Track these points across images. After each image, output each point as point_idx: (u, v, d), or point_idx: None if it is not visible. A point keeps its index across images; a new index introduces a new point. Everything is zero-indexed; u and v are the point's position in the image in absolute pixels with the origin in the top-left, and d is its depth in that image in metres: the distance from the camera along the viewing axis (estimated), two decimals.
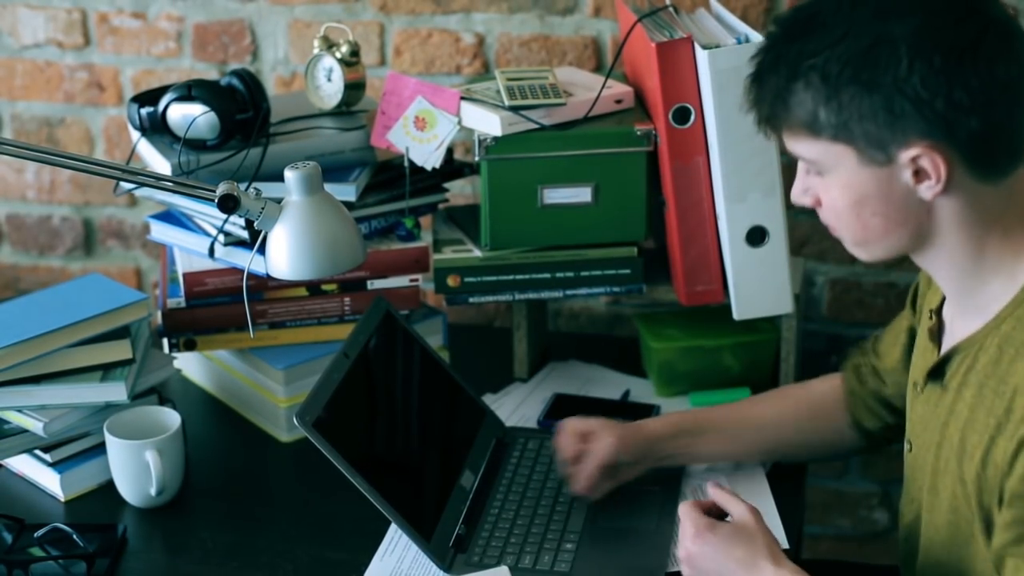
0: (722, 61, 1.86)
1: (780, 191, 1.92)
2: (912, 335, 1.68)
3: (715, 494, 1.58)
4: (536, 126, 1.95)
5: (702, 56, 1.88)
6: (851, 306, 2.41)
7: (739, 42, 1.88)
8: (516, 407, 2.06)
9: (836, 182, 1.42)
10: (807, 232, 2.38)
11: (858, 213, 1.42)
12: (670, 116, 1.92)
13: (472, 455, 1.86)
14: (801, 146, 1.43)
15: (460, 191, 2.35)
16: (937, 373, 1.51)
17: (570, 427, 1.81)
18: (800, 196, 1.50)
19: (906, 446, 1.62)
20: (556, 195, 1.98)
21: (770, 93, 1.42)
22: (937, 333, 1.55)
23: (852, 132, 1.38)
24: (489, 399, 2.09)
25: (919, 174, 1.38)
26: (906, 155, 1.37)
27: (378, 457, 1.76)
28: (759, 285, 1.96)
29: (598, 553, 1.70)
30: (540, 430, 1.96)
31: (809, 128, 1.40)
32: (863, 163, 1.39)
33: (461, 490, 1.79)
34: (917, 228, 1.42)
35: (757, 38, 1.88)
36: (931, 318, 1.56)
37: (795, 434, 1.84)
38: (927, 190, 1.39)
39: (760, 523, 1.53)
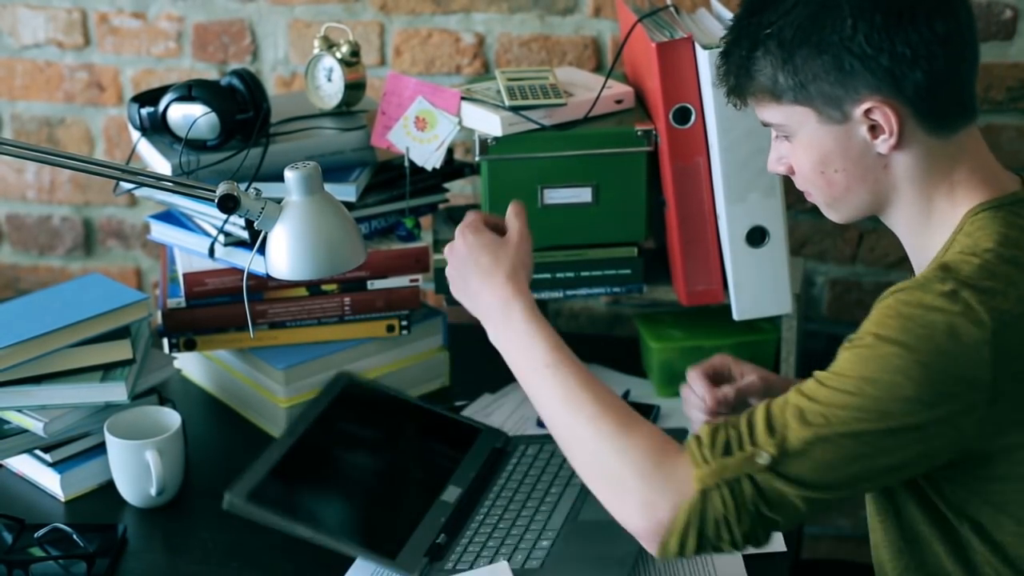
0: None
1: (780, 191, 1.92)
2: None
3: (512, 209, 1.66)
4: (536, 126, 1.95)
5: (702, 56, 1.88)
6: (851, 306, 2.41)
7: None
8: (515, 408, 2.06)
9: (801, 144, 1.51)
10: (807, 232, 2.38)
11: (822, 171, 1.51)
12: (670, 116, 1.92)
13: (460, 471, 1.86)
14: (767, 112, 1.53)
15: (460, 191, 2.35)
16: None
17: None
18: (775, 164, 1.58)
19: None
20: (556, 195, 1.98)
21: (735, 65, 1.52)
22: None
23: (809, 92, 1.47)
24: (487, 400, 2.09)
25: (874, 129, 1.47)
26: (859, 110, 1.46)
27: (335, 505, 1.79)
28: (759, 285, 1.96)
29: (572, 547, 1.70)
30: (541, 436, 1.95)
31: (772, 93, 1.50)
32: (822, 122, 1.48)
33: (442, 504, 1.79)
34: (875, 184, 1.51)
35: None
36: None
37: None
38: (882, 143, 1.47)
39: (522, 245, 1.63)
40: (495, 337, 1.60)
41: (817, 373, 1.43)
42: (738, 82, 1.53)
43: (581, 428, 1.48)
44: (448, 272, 1.66)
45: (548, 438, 1.91)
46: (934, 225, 1.51)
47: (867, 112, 1.45)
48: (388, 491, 1.83)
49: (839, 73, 1.45)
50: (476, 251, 1.62)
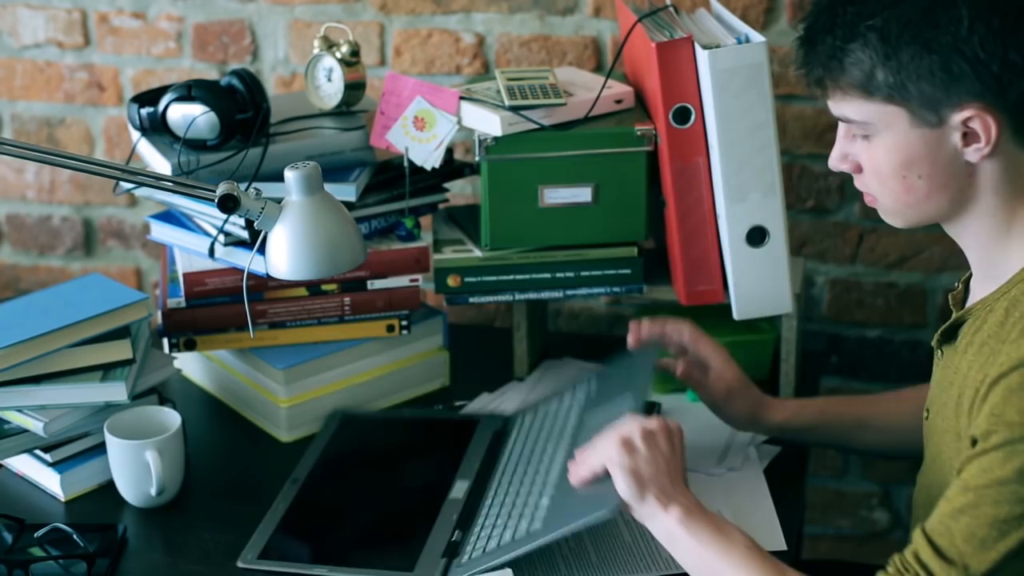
0: (722, 61, 1.86)
1: (780, 191, 1.92)
2: None
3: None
4: (536, 126, 1.95)
5: (702, 56, 1.88)
6: (851, 306, 2.41)
7: (739, 42, 1.88)
8: (516, 407, 2.06)
9: (883, 144, 1.45)
10: (807, 232, 2.38)
11: (904, 176, 1.45)
12: (670, 116, 1.92)
13: (464, 465, 1.87)
14: (852, 107, 1.46)
15: (460, 191, 2.35)
16: (950, 335, 1.54)
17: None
18: (838, 162, 1.53)
19: (924, 413, 1.64)
20: (556, 195, 1.98)
21: (824, 54, 1.45)
22: (962, 300, 1.58)
23: (908, 92, 1.41)
24: (487, 399, 2.09)
25: (967, 136, 1.42)
26: (958, 117, 1.41)
27: (346, 537, 1.78)
28: (759, 285, 1.96)
29: (567, 498, 1.68)
30: (536, 403, 1.96)
31: (863, 89, 1.43)
32: (914, 124, 1.43)
33: (452, 502, 1.79)
34: (957, 192, 1.46)
35: (757, 38, 1.88)
36: (958, 286, 1.60)
37: (913, 438, 1.76)
38: (974, 152, 1.42)
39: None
40: (681, 524, 1.51)
41: (967, 481, 1.38)
42: (827, 72, 1.46)
43: None
44: (631, 449, 1.53)
45: (544, 402, 1.91)
46: (1013, 238, 1.47)
47: (966, 120, 1.40)
48: (397, 508, 1.84)
49: (945, 75, 1.39)
50: (667, 465, 1.53)
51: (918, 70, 1.40)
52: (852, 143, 1.50)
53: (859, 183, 1.52)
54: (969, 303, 1.55)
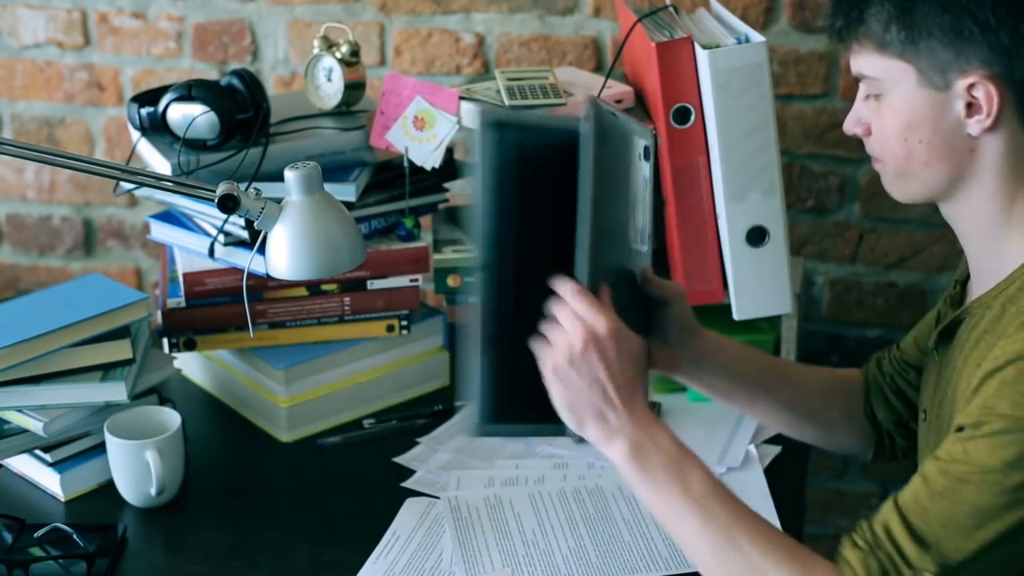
0: (722, 61, 1.86)
1: (780, 191, 1.92)
2: (939, 321, 1.69)
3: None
4: None
5: (702, 56, 1.88)
6: (851, 306, 2.41)
7: (739, 42, 1.89)
8: None
9: (891, 104, 1.47)
10: (807, 232, 2.38)
11: (906, 138, 1.46)
12: (670, 116, 1.92)
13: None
14: (866, 62, 1.48)
15: (460, 191, 2.35)
16: (948, 335, 1.54)
17: None
18: (852, 125, 1.53)
19: (921, 415, 1.63)
20: None
21: (847, 5, 1.48)
22: (959, 301, 1.58)
23: (918, 49, 1.42)
24: None
25: (971, 107, 1.42)
26: (963, 82, 1.42)
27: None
28: (759, 285, 1.96)
29: None
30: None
31: (878, 42, 1.45)
32: (921, 84, 1.44)
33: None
34: (957, 167, 1.46)
35: (757, 38, 1.88)
36: (955, 287, 1.60)
37: (820, 406, 1.79)
38: (976, 124, 1.43)
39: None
40: (630, 458, 1.43)
41: (947, 466, 1.36)
42: (847, 23, 1.48)
43: (747, 567, 1.38)
44: (582, 359, 1.41)
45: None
46: (1012, 227, 1.47)
47: (970, 87, 1.41)
48: None
49: (955, 37, 1.40)
50: (624, 357, 1.42)
51: (930, 28, 1.41)
52: (866, 105, 1.51)
53: (868, 147, 1.53)
54: (967, 303, 1.54)
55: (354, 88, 2.10)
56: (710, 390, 1.75)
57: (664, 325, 1.66)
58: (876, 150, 1.51)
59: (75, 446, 1.88)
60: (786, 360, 1.83)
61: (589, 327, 1.41)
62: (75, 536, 1.75)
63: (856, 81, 1.52)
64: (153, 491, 1.81)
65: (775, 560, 1.39)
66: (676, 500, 1.42)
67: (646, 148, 1.57)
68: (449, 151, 2.05)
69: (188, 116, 1.97)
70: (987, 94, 1.41)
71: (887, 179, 1.52)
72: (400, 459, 1.95)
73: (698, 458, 1.45)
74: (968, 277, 1.58)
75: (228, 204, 1.62)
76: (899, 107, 1.46)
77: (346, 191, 1.99)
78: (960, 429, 1.38)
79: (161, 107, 1.99)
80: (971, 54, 1.41)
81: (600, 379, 1.42)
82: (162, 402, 1.94)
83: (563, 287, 1.42)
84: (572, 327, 1.41)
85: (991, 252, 1.49)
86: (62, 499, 1.86)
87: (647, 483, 1.43)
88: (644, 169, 1.56)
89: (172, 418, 1.87)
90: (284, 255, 1.65)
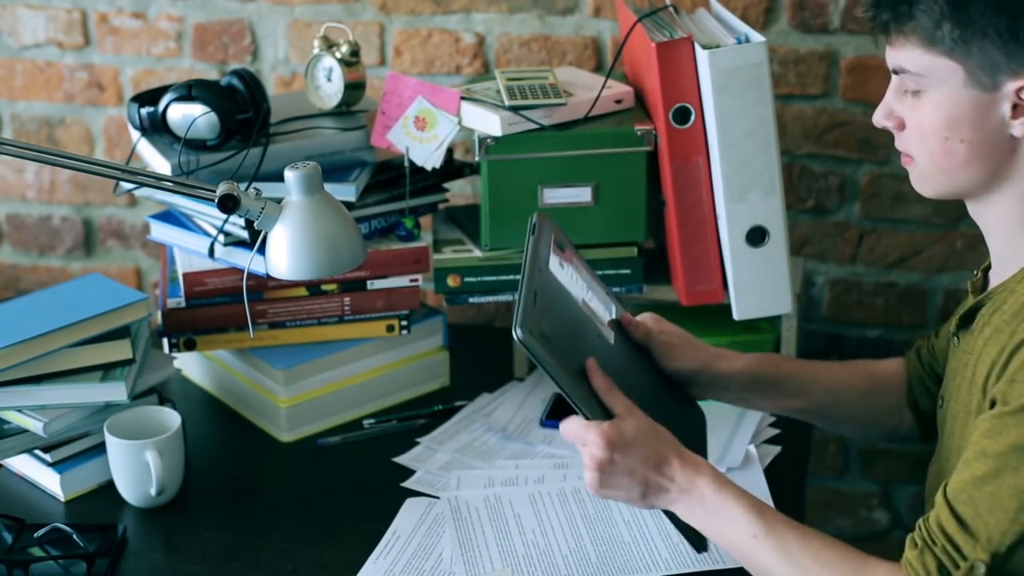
0: (722, 61, 1.86)
1: (780, 191, 1.92)
2: None
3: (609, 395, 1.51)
4: (536, 126, 1.95)
5: (702, 56, 1.88)
6: (851, 306, 2.41)
7: (739, 42, 1.89)
8: (517, 409, 2.06)
9: (932, 101, 1.44)
10: (807, 232, 2.38)
11: (947, 137, 1.44)
12: (670, 116, 1.92)
13: None
14: (910, 57, 1.44)
15: (460, 191, 2.35)
16: (968, 319, 1.53)
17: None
18: (883, 118, 1.50)
19: (939, 402, 1.63)
20: (556, 195, 1.98)
21: None
22: (981, 288, 1.57)
23: (970, 50, 1.39)
24: (486, 399, 2.09)
25: (1017, 108, 1.40)
26: (1013, 85, 1.39)
27: None
28: (759, 285, 1.96)
29: None
30: None
31: (927, 39, 1.41)
32: (968, 85, 1.41)
33: None
34: (995, 167, 1.44)
35: (757, 38, 1.88)
36: (977, 274, 1.59)
37: (858, 404, 1.79)
38: (1021, 125, 1.41)
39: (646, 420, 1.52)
40: (692, 519, 1.51)
41: (986, 447, 1.37)
42: (894, 16, 1.43)
43: None
44: (612, 484, 1.50)
45: None
46: None
47: (1019, 89, 1.39)
48: None
49: (1010, 39, 1.37)
50: (636, 448, 1.49)
51: (984, 28, 1.38)
52: (900, 99, 1.48)
53: (899, 142, 1.50)
54: (988, 290, 1.54)
55: (354, 88, 2.10)
56: (743, 404, 1.80)
57: (665, 351, 1.70)
58: (912, 147, 1.48)
59: (75, 446, 1.88)
60: (822, 364, 1.83)
61: (593, 457, 1.48)
62: (75, 536, 1.75)
63: (890, 73, 1.49)
64: (153, 491, 1.81)
65: (833, 570, 1.43)
66: (731, 541, 1.49)
67: (554, 245, 1.60)
68: (449, 151, 2.05)
69: (188, 116, 1.97)
70: None
71: (918, 175, 1.49)
72: (400, 459, 1.95)
73: (746, 493, 1.49)
74: (990, 265, 1.57)
75: (228, 204, 1.62)
76: (941, 105, 1.43)
77: (346, 191, 1.99)
78: (992, 405, 1.39)
79: (161, 107, 1.99)
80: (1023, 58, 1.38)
81: (625, 483, 1.50)
82: (162, 402, 1.94)
83: (563, 429, 1.51)
84: (584, 457, 1.50)
85: (1017, 244, 1.47)
86: (62, 499, 1.86)
87: (709, 531, 1.51)
88: (559, 272, 1.59)
89: (172, 418, 1.87)
90: (284, 255, 1.65)
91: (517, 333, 1.43)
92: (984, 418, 1.39)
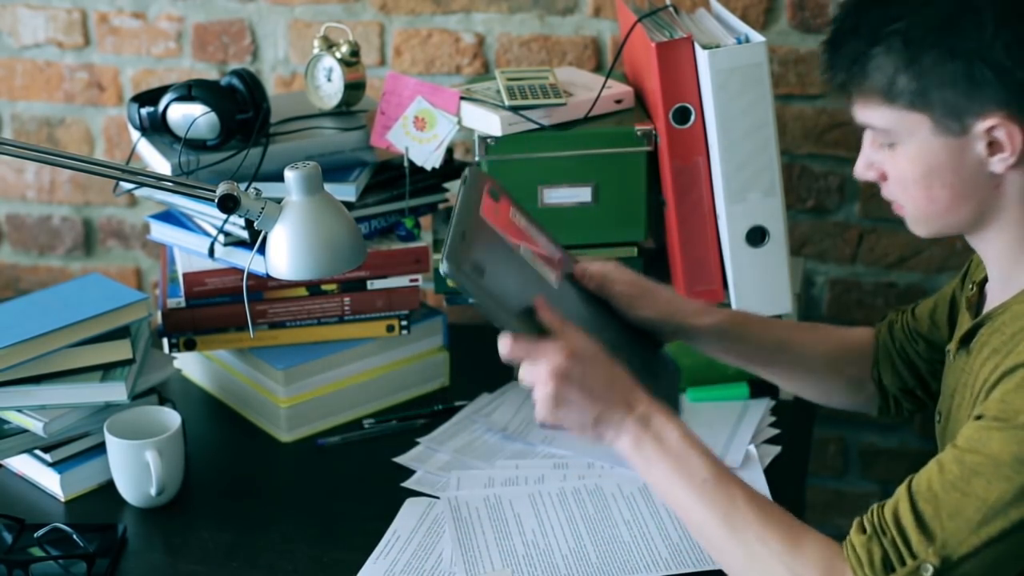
0: (722, 61, 1.86)
1: (780, 191, 1.92)
2: (954, 305, 1.69)
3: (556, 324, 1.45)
4: (536, 126, 1.95)
5: (702, 56, 1.88)
6: (851, 306, 2.41)
7: (739, 42, 1.89)
8: (517, 409, 2.06)
9: (906, 153, 1.43)
10: (807, 232, 2.38)
11: (928, 185, 1.43)
12: (670, 116, 1.92)
13: None
14: (874, 114, 1.43)
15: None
16: (967, 340, 1.53)
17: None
18: (864, 171, 1.50)
19: (936, 417, 1.63)
20: (556, 195, 1.98)
21: (848, 58, 1.42)
22: (976, 304, 1.57)
23: (930, 99, 1.38)
24: (486, 399, 2.09)
25: (992, 145, 1.39)
26: (982, 125, 1.38)
27: None
28: (759, 285, 1.96)
29: None
30: None
31: (885, 95, 1.41)
32: (937, 133, 1.40)
33: None
34: (982, 203, 1.43)
35: (757, 38, 1.88)
36: (972, 288, 1.58)
37: (823, 371, 1.78)
38: (999, 162, 1.39)
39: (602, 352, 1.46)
40: (634, 455, 1.45)
41: (963, 452, 1.36)
42: (850, 77, 1.43)
43: (748, 547, 1.40)
44: (566, 401, 1.44)
45: None
46: None
47: (989, 128, 1.37)
48: None
49: (968, 83, 1.36)
50: (599, 366, 1.45)
51: (940, 76, 1.37)
52: (877, 151, 1.47)
53: (885, 191, 1.50)
54: (987, 307, 1.53)
55: (354, 88, 2.10)
56: (707, 353, 1.75)
57: (624, 302, 1.65)
58: (897, 196, 1.48)
59: (75, 446, 1.88)
60: (791, 326, 1.81)
61: (551, 367, 1.43)
62: (75, 536, 1.75)
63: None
64: (153, 491, 1.81)
65: (768, 538, 1.40)
66: (678, 489, 1.44)
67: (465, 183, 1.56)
68: (449, 151, 2.05)
69: (188, 116, 1.97)
70: (1009, 134, 1.37)
71: (910, 221, 1.49)
72: (400, 459, 1.95)
73: (699, 445, 1.45)
74: (986, 279, 1.56)
75: (228, 204, 1.62)
76: (916, 156, 1.42)
77: (346, 191, 1.99)
78: (979, 417, 1.38)
79: (161, 107, 1.99)
80: (987, 97, 1.36)
81: (581, 400, 1.44)
82: (162, 402, 1.94)
83: (501, 347, 1.45)
84: (534, 375, 1.44)
85: (1015, 268, 1.47)
86: (62, 499, 1.86)
87: (651, 475, 1.45)
88: (492, 218, 1.54)
89: (172, 418, 1.87)
90: (284, 255, 1.65)
91: (443, 267, 1.38)
92: (971, 426, 1.39)
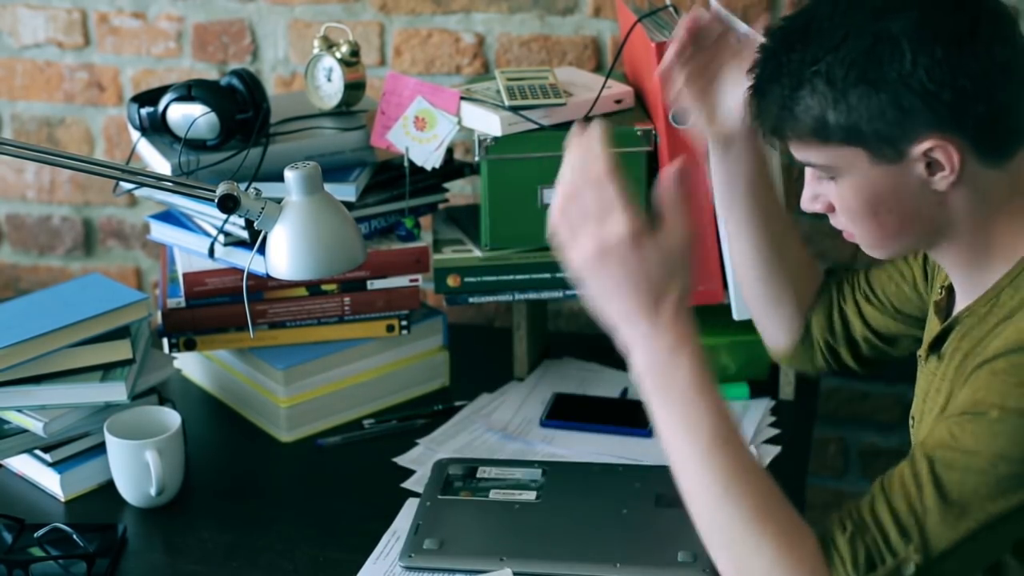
0: None
1: (779, 191, 1.92)
2: (909, 282, 1.72)
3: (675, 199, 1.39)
4: (536, 126, 1.95)
5: None
6: None
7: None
8: (517, 409, 2.06)
9: (849, 184, 1.43)
10: (807, 232, 2.38)
11: (874, 212, 1.43)
12: (670, 116, 1.92)
13: None
14: (811, 154, 1.44)
15: (460, 191, 2.35)
16: (937, 345, 1.53)
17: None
18: (810, 203, 1.51)
19: (910, 421, 1.63)
20: None
21: (775, 104, 1.42)
22: (945, 308, 1.57)
23: (862, 133, 1.38)
24: (486, 399, 2.09)
25: (931, 167, 1.39)
26: (918, 149, 1.38)
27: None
28: None
29: None
30: None
31: (818, 134, 1.41)
32: (875, 162, 1.40)
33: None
34: (931, 222, 1.43)
35: (757, 38, 1.87)
36: (940, 292, 1.58)
37: (796, 267, 1.79)
38: (941, 181, 1.39)
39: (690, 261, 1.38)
40: (645, 376, 1.38)
41: (931, 451, 1.36)
42: (780, 123, 1.43)
43: (737, 525, 1.37)
44: (594, 268, 1.38)
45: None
46: (994, 258, 1.45)
47: (926, 151, 1.37)
48: None
49: (897, 111, 1.36)
50: (651, 259, 1.36)
51: (869, 110, 1.37)
52: (821, 184, 1.48)
53: (835, 222, 1.50)
54: (956, 310, 1.53)
55: (354, 88, 2.10)
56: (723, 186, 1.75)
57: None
58: (846, 225, 1.48)
59: (75, 446, 1.88)
60: (804, 249, 1.83)
61: (620, 221, 1.36)
62: (75, 536, 1.75)
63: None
64: (153, 491, 1.81)
65: (763, 527, 1.37)
66: (680, 438, 1.38)
67: None
68: (449, 151, 2.05)
69: (188, 116, 1.97)
70: (946, 154, 1.37)
71: (865, 248, 1.50)
72: (400, 459, 1.95)
73: (716, 396, 1.37)
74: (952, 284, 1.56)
75: (228, 204, 1.62)
76: (858, 188, 1.42)
77: (346, 191, 1.99)
78: (949, 415, 1.38)
79: (161, 107, 1.99)
80: (918, 122, 1.36)
81: (625, 283, 1.36)
82: (162, 402, 1.94)
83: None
84: (604, 216, 1.38)
85: (977, 274, 1.47)
86: (62, 499, 1.86)
87: (656, 410, 1.39)
88: None
89: (172, 418, 1.87)
90: (284, 255, 1.65)
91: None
92: (941, 422, 1.38)
